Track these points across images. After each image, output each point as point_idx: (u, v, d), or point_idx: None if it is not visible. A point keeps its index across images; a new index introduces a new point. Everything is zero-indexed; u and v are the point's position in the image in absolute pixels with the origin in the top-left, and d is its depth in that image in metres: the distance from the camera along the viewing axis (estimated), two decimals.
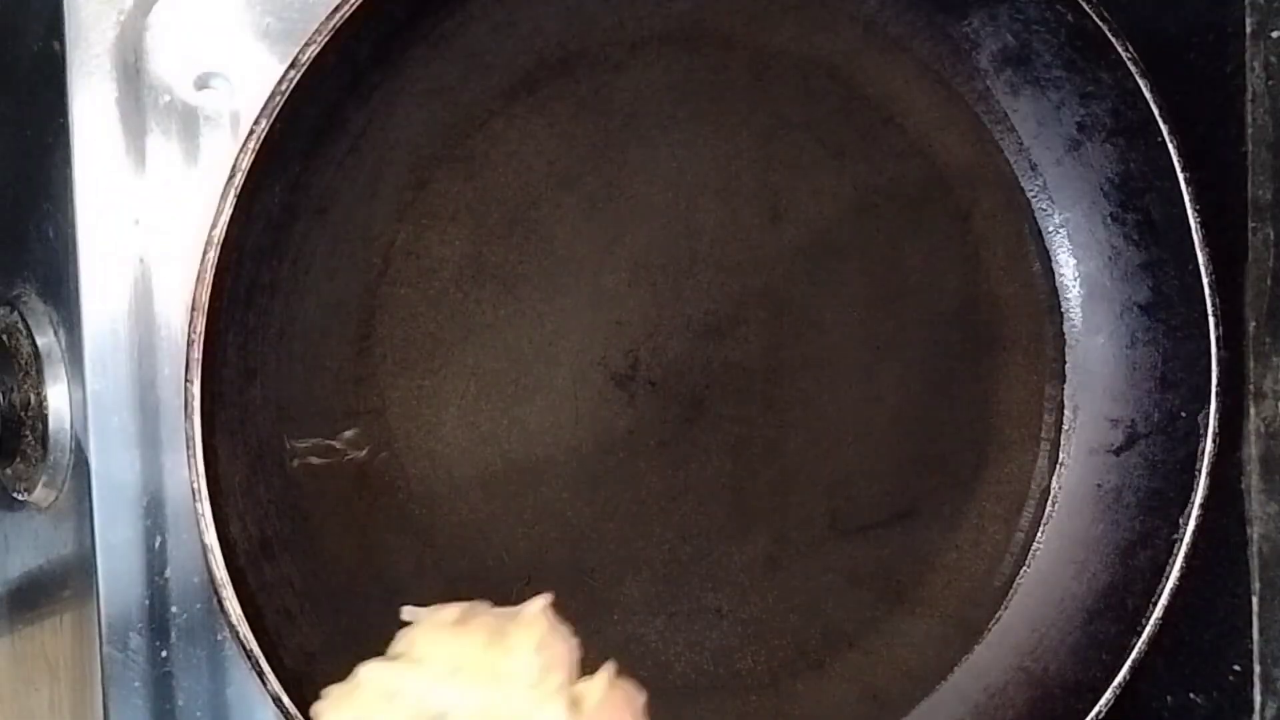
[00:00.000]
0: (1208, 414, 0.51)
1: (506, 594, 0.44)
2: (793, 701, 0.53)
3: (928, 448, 0.55)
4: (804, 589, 0.54)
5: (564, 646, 0.31)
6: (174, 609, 0.50)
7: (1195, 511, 0.51)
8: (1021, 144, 0.55)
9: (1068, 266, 0.56)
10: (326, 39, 0.42)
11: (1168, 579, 0.51)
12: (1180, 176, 0.51)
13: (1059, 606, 0.55)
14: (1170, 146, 0.51)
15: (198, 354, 0.42)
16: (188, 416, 0.42)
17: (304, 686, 0.44)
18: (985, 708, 0.55)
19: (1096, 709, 0.51)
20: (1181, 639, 0.54)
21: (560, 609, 0.37)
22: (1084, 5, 0.49)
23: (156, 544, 0.49)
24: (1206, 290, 0.51)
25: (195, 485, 0.42)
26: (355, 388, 0.48)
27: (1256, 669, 0.53)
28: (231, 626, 0.42)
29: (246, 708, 0.51)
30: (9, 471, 0.52)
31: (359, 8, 0.42)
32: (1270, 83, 0.52)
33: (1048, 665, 0.54)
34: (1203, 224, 0.51)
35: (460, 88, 0.49)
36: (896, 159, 0.54)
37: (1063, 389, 0.56)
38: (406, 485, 0.49)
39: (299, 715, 0.43)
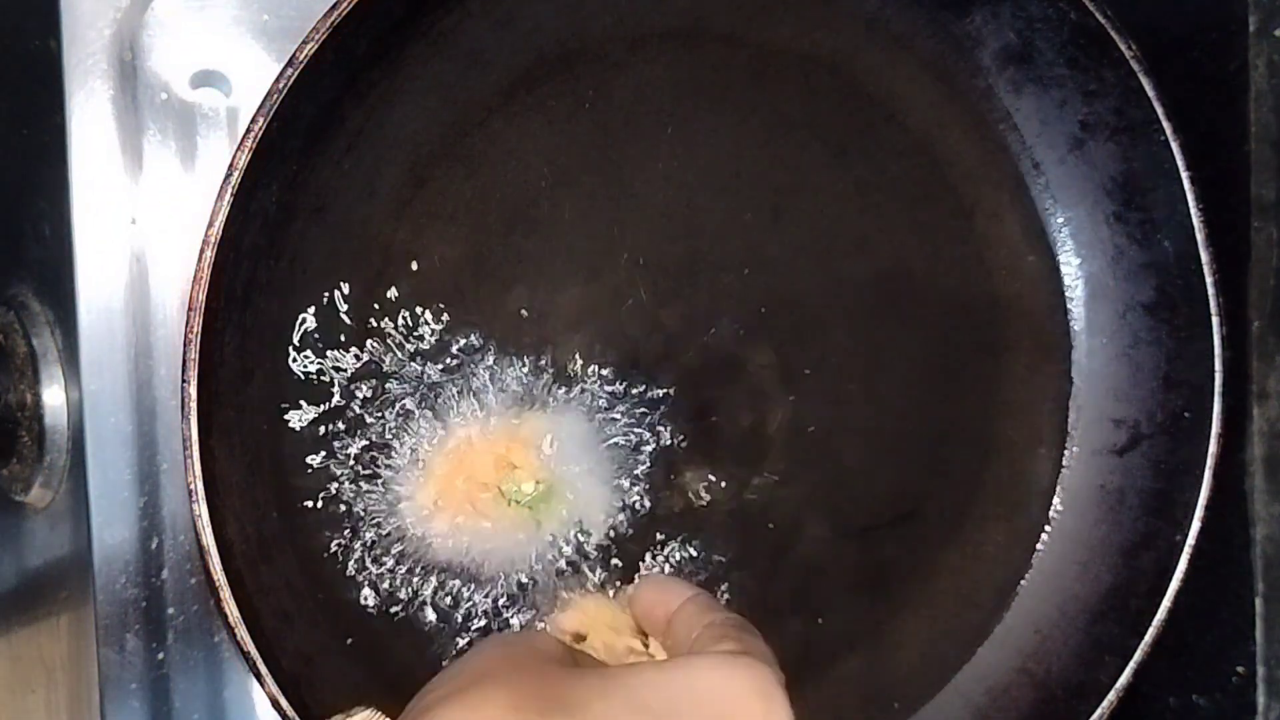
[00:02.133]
0: (1211, 414, 0.51)
1: None
2: (794, 704, 0.53)
3: (930, 448, 0.55)
4: (805, 591, 0.53)
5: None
6: (171, 610, 0.50)
7: (1199, 513, 0.51)
8: (1024, 142, 0.55)
9: (1071, 266, 0.56)
10: (324, 37, 0.42)
11: (1171, 580, 0.51)
12: (1183, 175, 0.51)
13: (1062, 608, 0.55)
14: (1173, 145, 0.51)
15: (194, 354, 0.42)
16: (184, 417, 0.42)
17: (301, 689, 0.44)
18: (988, 710, 0.54)
19: (1099, 711, 0.51)
20: (1185, 641, 0.53)
21: None
22: (1087, 3, 0.49)
23: (153, 545, 0.49)
24: (1210, 290, 0.51)
25: (192, 486, 0.42)
26: (354, 388, 0.48)
27: (1260, 670, 0.53)
28: (229, 628, 0.42)
29: (243, 710, 0.50)
30: (5, 472, 0.52)
31: (357, 5, 0.42)
32: (1273, 81, 0.52)
33: (1050, 667, 0.54)
34: (1206, 223, 0.51)
35: (459, 86, 0.48)
36: (898, 157, 0.54)
37: (1066, 389, 0.56)
38: None
39: (296, 718, 0.43)
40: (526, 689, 0.37)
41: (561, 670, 0.39)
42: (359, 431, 0.48)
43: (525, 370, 0.50)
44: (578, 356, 0.50)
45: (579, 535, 0.50)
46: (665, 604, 0.46)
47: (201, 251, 0.42)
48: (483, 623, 0.49)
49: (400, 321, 0.48)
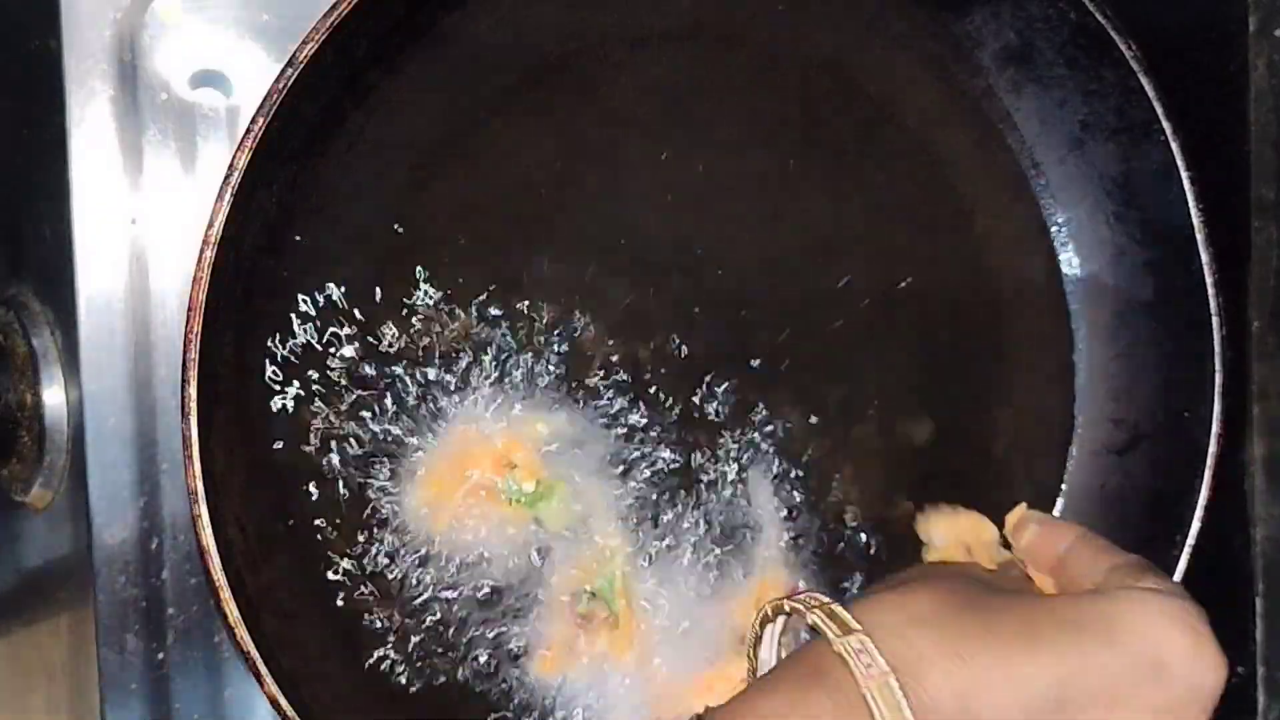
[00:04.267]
0: (1211, 414, 0.51)
1: None
2: None
3: (930, 449, 0.55)
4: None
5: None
6: (171, 611, 0.50)
7: (1199, 513, 0.51)
8: (1024, 142, 0.55)
9: (1071, 266, 0.56)
10: (324, 37, 0.42)
11: None
12: (1183, 175, 0.51)
13: None
14: (1173, 145, 0.51)
15: (194, 354, 0.42)
16: (184, 417, 0.42)
17: (301, 689, 0.44)
18: None
19: None
20: None
21: None
22: (1086, 3, 0.49)
23: (153, 545, 0.49)
24: (1210, 290, 0.51)
25: (192, 487, 0.42)
26: (353, 387, 0.48)
27: (1260, 671, 0.53)
28: (229, 629, 0.42)
29: (244, 710, 0.50)
30: (5, 472, 0.52)
31: (357, 5, 0.42)
32: (1273, 81, 0.52)
33: None
34: (1206, 223, 0.51)
35: (459, 86, 0.48)
36: (898, 157, 0.54)
37: (1066, 389, 0.56)
38: None
39: (297, 718, 0.43)
40: (955, 593, 0.40)
41: (985, 585, 0.43)
42: (359, 430, 0.48)
43: (524, 369, 0.50)
44: (577, 356, 0.50)
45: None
46: (1054, 541, 0.46)
47: (201, 251, 0.42)
48: (482, 620, 0.49)
49: (399, 321, 0.48)
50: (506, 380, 0.49)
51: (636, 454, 0.51)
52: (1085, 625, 0.39)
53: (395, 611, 0.48)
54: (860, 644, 0.38)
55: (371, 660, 0.48)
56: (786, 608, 0.43)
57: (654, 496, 0.51)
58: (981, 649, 0.38)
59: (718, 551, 0.52)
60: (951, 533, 0.50)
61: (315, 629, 0.47)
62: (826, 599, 0.41)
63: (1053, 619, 0.39)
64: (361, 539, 0.48)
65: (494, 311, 0.49)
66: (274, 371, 0.47)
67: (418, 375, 0.49)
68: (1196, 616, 0.39)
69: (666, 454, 0.51)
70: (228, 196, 0.42)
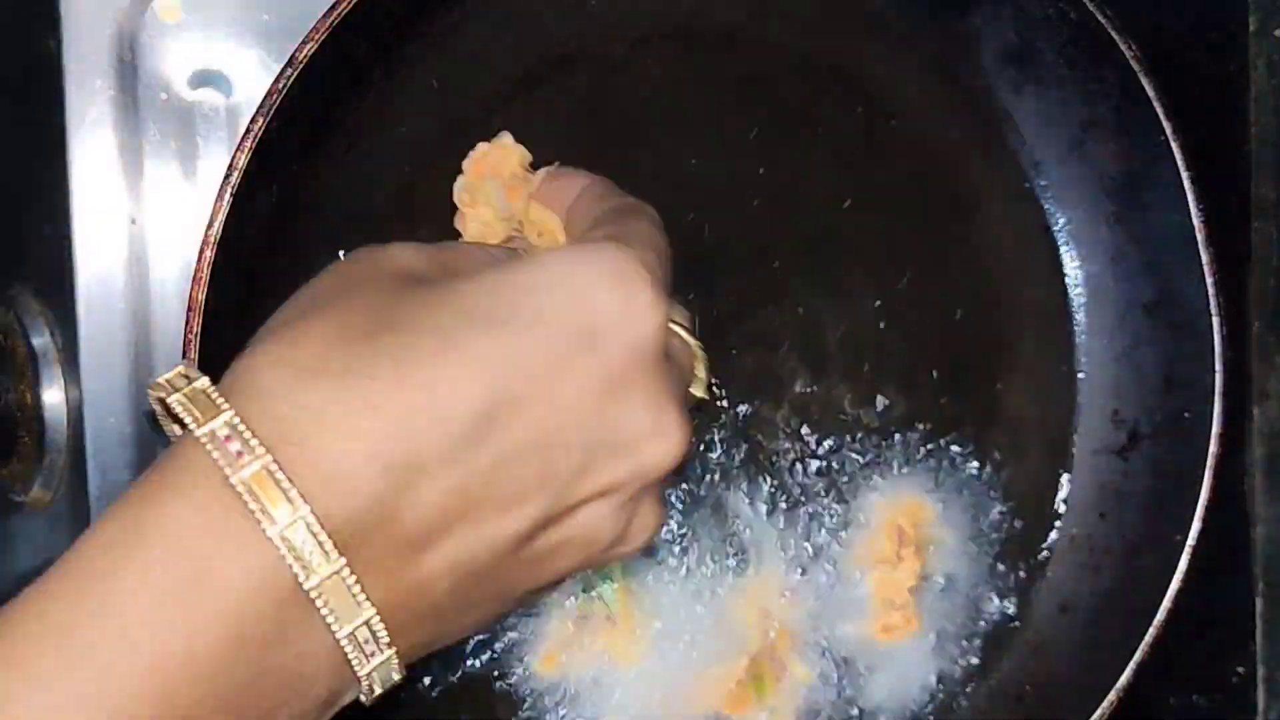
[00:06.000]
0: (1211, 414, 0.51)
1: None
2: None
3: (930, 450, 0.55)
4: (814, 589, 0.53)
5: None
6: None
7: (1199, 513, 0.51)
8: (1024, 142, 0.55)
9: (1071, 266, 0.56)
10: (324, 37, 0.42)
11: (1171, 580, 0.51)
12: (1183, 175, 0.51)
13: (1062, 608, 0.55)
14: (1173, 145, 0.51)
15: (194, 354, 0.42)
16: None
17: None
18: (987, 710, 0.54)
19: (1099, 711, 0.51)
20: (1185, 641, 0.53)
21: None
22: (1086, 3, 0.49)
23: None
24: (1210, 290, 0.51)
25: None
26: None
27: (1260, 671, 0.53)
28: None
29: None
30: (5, 472, 0.52)
31: (356, 5, 0.42)
32: (1273, 81, 0.52)
33: (1051, 667, 0.54)
34: (1206, 223, 0.51)
35: (459, 86, 0.48)
36: (898, 157, 0.54)
37: (1066, 389, 0.56)
38: None
39: None
40: (357, 313, 0.32)
41: (402, 287, 0.33)
42: None
43: None
44: None
45: None
46: (562, 197, 0.41)
47: (201, 251, 0.42)
48: None
49: None
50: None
51: None
52: (506, 316, 0.31)
53: None
54: (229, 427, 0.30)
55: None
56: (157, 404, 0.33)
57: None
58: (394, 386, 0.30)
59: (716, 551, 0.52)
60: (484, 164, 0.47)
61: None
62: (192, 376, 0.32)
63: (470, 319, 0.31)
64: None
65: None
66: None
67: None
68: (628, 263, 0.33)
69: None
70: (228, 196, 0.42)
